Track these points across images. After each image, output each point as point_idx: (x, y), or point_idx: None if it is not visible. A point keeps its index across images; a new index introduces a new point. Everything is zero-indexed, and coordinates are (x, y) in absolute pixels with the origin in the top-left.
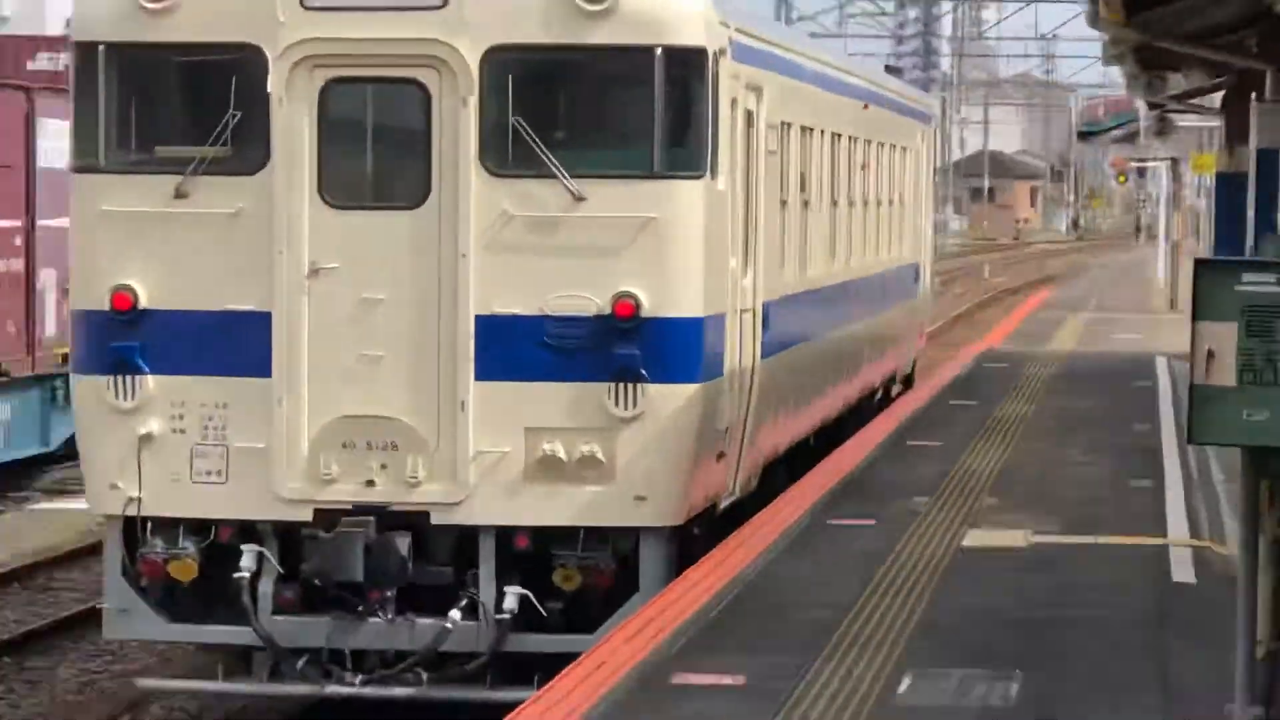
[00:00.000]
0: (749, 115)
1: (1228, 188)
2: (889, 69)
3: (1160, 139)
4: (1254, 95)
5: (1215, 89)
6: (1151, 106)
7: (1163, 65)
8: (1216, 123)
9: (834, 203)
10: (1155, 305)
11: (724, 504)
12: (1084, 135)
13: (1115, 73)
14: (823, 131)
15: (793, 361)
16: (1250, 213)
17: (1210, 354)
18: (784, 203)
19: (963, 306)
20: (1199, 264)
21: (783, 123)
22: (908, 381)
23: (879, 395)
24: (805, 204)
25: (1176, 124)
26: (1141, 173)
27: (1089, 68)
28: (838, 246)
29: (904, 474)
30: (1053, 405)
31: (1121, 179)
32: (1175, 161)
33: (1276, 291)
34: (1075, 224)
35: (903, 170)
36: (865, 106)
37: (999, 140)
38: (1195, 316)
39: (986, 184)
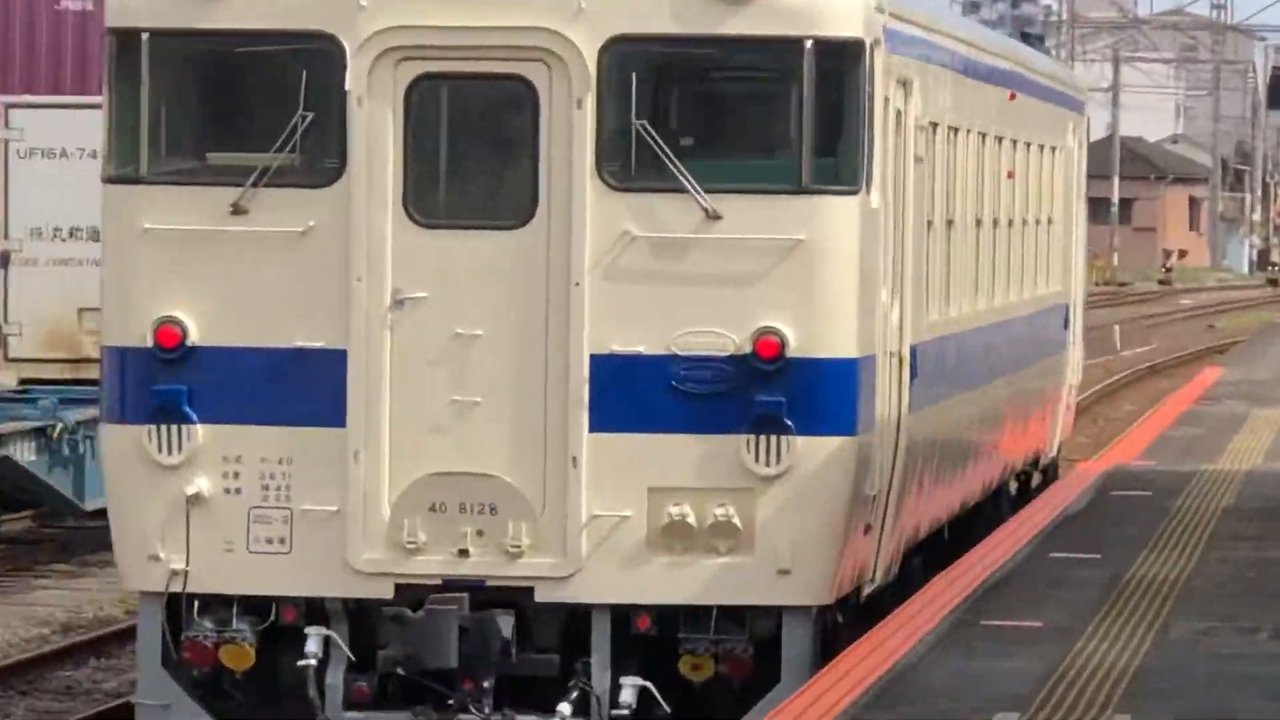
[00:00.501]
0: (898, 116)
1: None
2: (1027, 36)
3: None
4: None
5: None
6: None
7: None
8: None
9: (978, 223)
10: None
11: (867, 590)
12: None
13: None
14: (968, 131)
15: (938, 421)
16: None
17: None
18: (930, 223)
19: (1079, 395)
20: None
21: (931, 123)
22: (1049, 472)
23: (1015, 487)
24: (949, 224)
25: None
26: None
27: None
28: (981, 279)
29: (976, 673)
30: (1225, 560)
31: None
32: None
33: None
34: (1265, 259)
35: (1052, 178)
36: (1012, 96)
37: (1137, 121)
38: None
39: (1116, 193)
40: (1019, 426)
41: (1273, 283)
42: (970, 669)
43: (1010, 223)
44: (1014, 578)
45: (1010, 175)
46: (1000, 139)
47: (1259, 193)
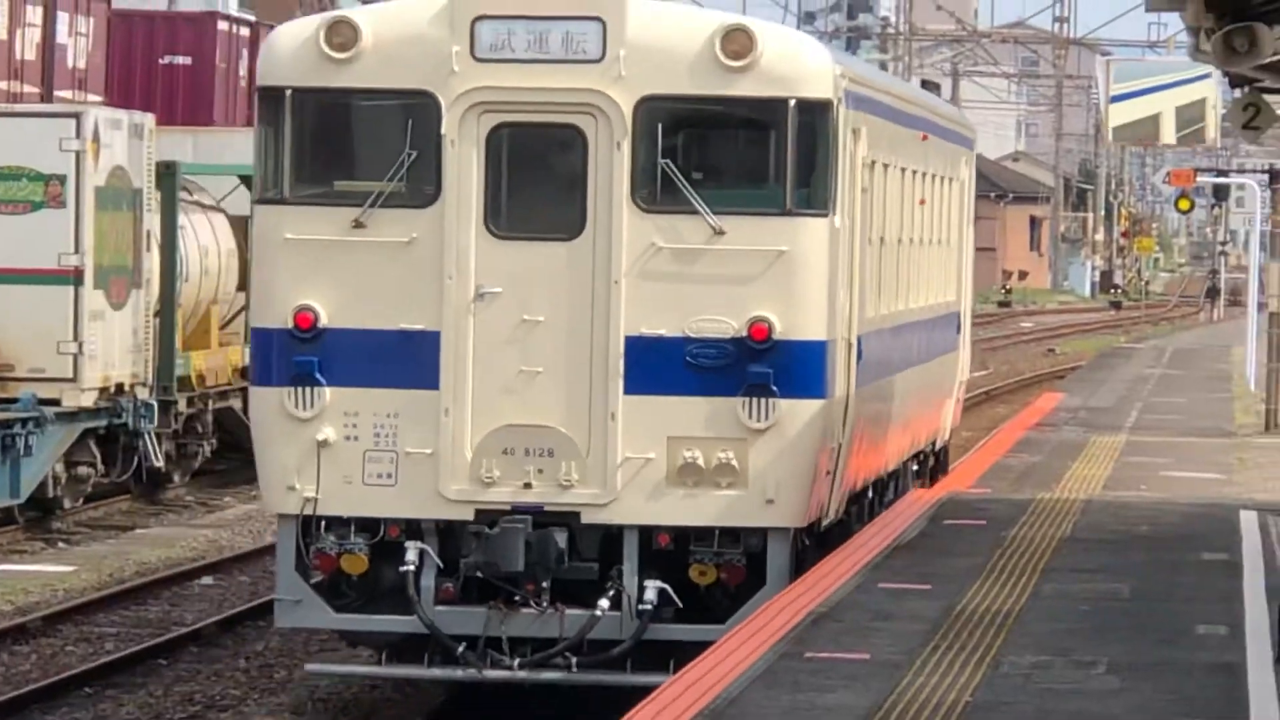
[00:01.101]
0: (852, 157)
1: None
2: (925, 84)
3: (1250, 138)
4: None
5: None
6: (1235, 82)
7: (1252, 11)
8: None
9: (899, 241)
10: (1241, 422)
11: (825, 522)
12: (1122, 130)
13: (1171, 22)
14: (895, 167)
15: (875, 396)
16: None
17: None
18: (870, 241)
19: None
20: None
21: (871, 161)
22: (941, 461)
23: (914, 468)
24: (882, 241)
25: (1278, 112)
26: (1220, 194)
27: (1129, 12)
28: (902, 286)
29: (800, 707)
30: (1058, 592)
31: (1184, 204)
32: (1276, 175)
33: None
34: (1108, 282)
35: (949, 204)
36: (924, 137)
37: (977, 138)
38: None
39: None
40: (927, 409)
41: (1115, 305)
42: (795, 703)
43: (922, 241)
44: (841, 609)
45: (922, 202)
46: (915, 172)
47: (1102, 212)
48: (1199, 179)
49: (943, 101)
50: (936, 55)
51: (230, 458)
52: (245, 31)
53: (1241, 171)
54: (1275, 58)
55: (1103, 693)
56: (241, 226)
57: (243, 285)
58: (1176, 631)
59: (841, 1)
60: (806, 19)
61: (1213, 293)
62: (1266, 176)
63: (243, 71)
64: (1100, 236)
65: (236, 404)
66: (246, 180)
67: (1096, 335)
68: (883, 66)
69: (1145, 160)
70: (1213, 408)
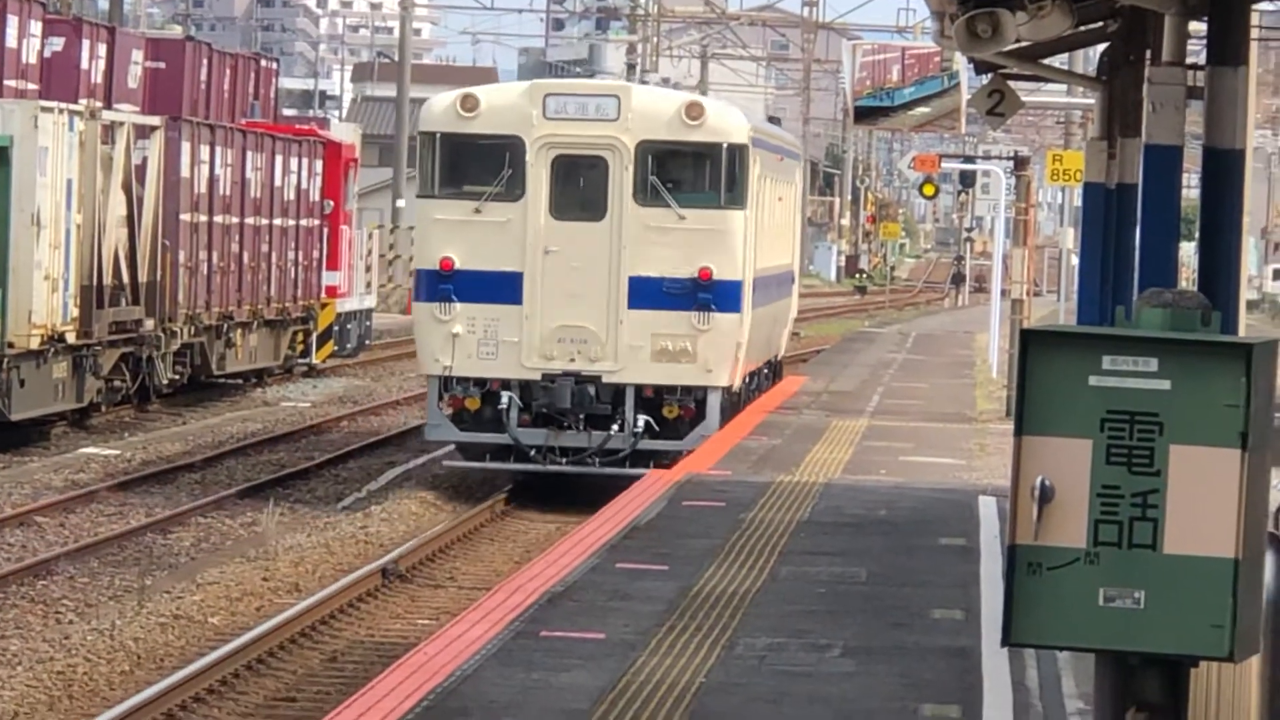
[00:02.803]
0: (754, 175)
1: (1103, 207)
2: (771, 119)
3: (995, 124)
4: (1149, 54)
5: (1085, 41)
6: (981, 68)
7: None
8: (1088, 100)
9: (770, 224)
10: (983, 408)
11: (735, 386)
12: (865, 114)
13: (918, 7)
14: (768, 179)
15: (758, 317)
16: (1137, 249)
17: (1044, 492)
18: (759, 224)
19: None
20: (1026, 338)
21: (758, 175)
22: (777, 369)
23: (766, 373)
24: (761, 225)
25: (1022, 99)
26: (965, 180)
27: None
28: (769, 252)
29: (535, 685)
30: (795, 574)
31: (929, 190)
32: (1021, 161)
33: (1158, 387)
34: (854, 266)
35: (788, 199)
36: (780, 159)
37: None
38: (1020, 428)
39: None
40: (777, 329)
41: (860, 290)
42: (529, 682)
43: (778, 225)
44: (578, 589)
45: (780, 200)
46: (776, 181)
47: (849, 197)
48: (945, 165)
49: (785, 131)
50: (685, 37)
51: None
52: None
53: (987, 158)
54: (1019, 44)
55: (837, 675)
56: None
57: None
58: (912, 615)
59: None
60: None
61: (958, 279)
62: (1011, 163)
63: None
64: (846, 221)
65: None
66: None
67: (841, 319)
68: (631, 49)
69: (892, 145)
70: (955, 393)
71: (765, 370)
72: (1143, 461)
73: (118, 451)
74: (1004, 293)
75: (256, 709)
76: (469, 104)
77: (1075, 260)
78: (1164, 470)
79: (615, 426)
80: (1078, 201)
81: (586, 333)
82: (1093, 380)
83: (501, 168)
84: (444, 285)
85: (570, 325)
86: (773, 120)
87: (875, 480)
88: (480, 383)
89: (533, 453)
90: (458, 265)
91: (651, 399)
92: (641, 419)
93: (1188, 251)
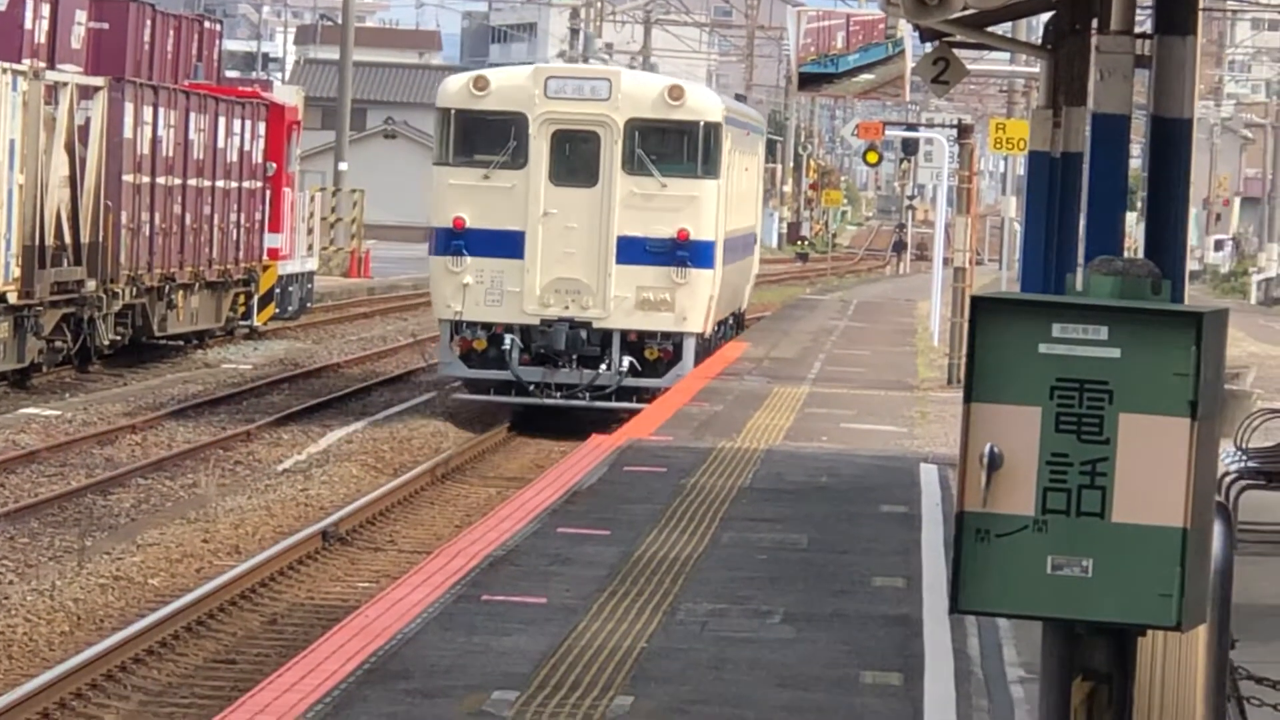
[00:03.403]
0: (725, 149)
1: (1048, 176)
2: (738, 96)
3: (939, 91)
4: (1095, 23)
5: (1031, 10)
6: (925, 36)
7: None
8: (1033, 69)
9: (738, 191)
10: (924, 376)
11: (707, 333)
12: (808, 80)
13: None
14: (736, 152)
15: (727, 273)
16: (1083, 219)
17: (993, 460)
18: (729, 192)
19: None
20: (976, 305)
21: (729, 149)
22: (741, 321)
23: (731, 323)
24: (730, 192)
25: (967, 67)
26: (908, 148)
27: None
28: (736, 215)
29: (476, 649)
30: (736, 541)
31: (872, 157)
32: (964, 129)
33: (1108, 355)
34: (795, 233)
35: (752, 169)
36: (747, 133)
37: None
38: (969, 395)
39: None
40: (742, 283)
41: (802, 257)
42: (470, 645)
43: (741, 190)
44: (519, 553)
45: (747, 170)
46: (742, 153)
47: (791, 164)
48: (888, 133)
49: (750, 108)
50: (629, 3)
51: None
52: None
53: (930, 126)
54: (965, 12)
55: (778, 641)
56: None
57: None
58: (854, 582)
59: None
60: None
61: (899, 246)
62: (955, 131)
63: None
64: (789, 188)
65: None
66: None
67: (782, 286)
68: (574, 14)
69: (834, 113)
70: (896, 361)
71: (731, 320)
72: (1092, 430)
73: (58, 412)
74: (946, 261)
75: (196, 670)
76: (480, 84)
77: (1018, 229)
78: (1113, 439)
79: (603, 366)
80: (1020, 170)
81: (579, 284)
82: (1042, 348)
83: (507, 140)
84: (456, 241)
85: (565, 278)
86: (739, 99)
87: (817, 447)
88: (486, 326)
89: (531, 388)
90: (468, 224)
91: (635, 342)
92: (626, 360)
93: (1129, 221)
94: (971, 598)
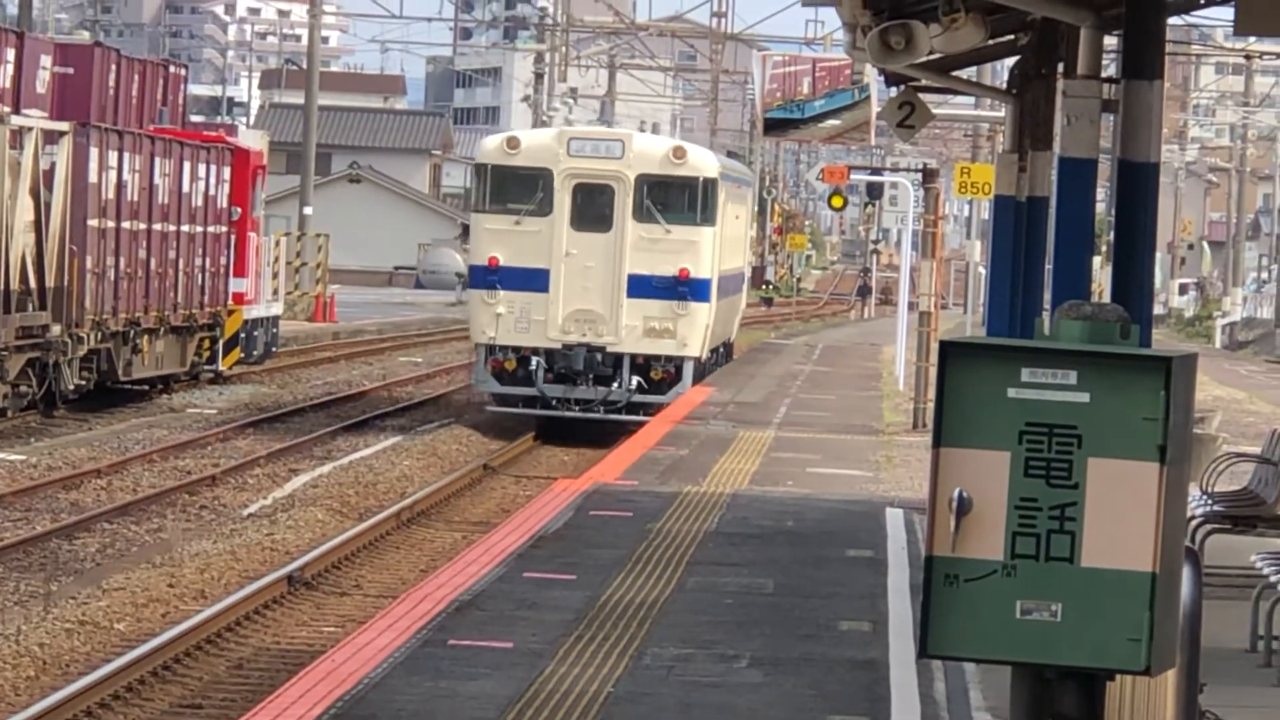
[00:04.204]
0: (721, 201)
1: (1013, 220)
2: (731, 154)
3: (904, 136)
4: (1060, 68)
5: (997, 54)
6: (891, 81)
7: (908, 9)
8: (998, 113)
9: (730, 236)
10: (890, 420)
11: (704, 358)
12: (774, 125)
13: (828, 19)
14: (729, 202)
15: (720, 306)
16: (1048, 263)
17: (962, 504)
18: (723, 236)
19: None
20: (946, 349)
21: (723, 201)
22: (729, 350)
23: (722, 350)
24: (725, 237)
25: (932, 111)
26: (873, 192)
27: (787, 9)
28: (728, 256)
29: (443, 694)
30: (702, 585)
31: (837, 201)
32: (929, 174)
33: (1077, 400)
34: (760, 278)
35: (743, 216)
36: (738, 186)
37: (632, 131)
38: (938, 439)
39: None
40: (732, 316)
41: (767, 301)
42: (437, 689)
43: (733, 236)
44: (485, 598)
45: (737, 217)
46: (732, 203)
47: (755, 208)
48: (853, 176)
49: (743, 166)
50: (594, 47)
51: None
52: None
53: (895, 170)
54: (931, 56)
55: (745, 686)
56: None
57: None
58: (820, 627)
59: None
60: (465, 7)
61: (864, 291)
62: (920, 175)
63: None
64: (753, 232)
65: None
66: None
67: (747, 330)
68: (539, 58)
69: (799, 157)
70: (862, 405)
71: (722, 348)
72: (1061, 474)
73: (23, 457)
74: (911, 305)
75: (162, 715)
76: (513, 144)
77: (982, 273)
78: (1082, 483)
79: (616, 384)
80: (985, 214)
81: (595, 315)
82: (1011, 393)
83: (536, 191)
84: (491, 277)
85: (584, 309)
86: (733, 155)
87: (783, 491)
88: (516, 350)
89: (554, 402)
90: (502, 262)
91: (642, 364)
92: (635, 379)
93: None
94: (940, 642)
